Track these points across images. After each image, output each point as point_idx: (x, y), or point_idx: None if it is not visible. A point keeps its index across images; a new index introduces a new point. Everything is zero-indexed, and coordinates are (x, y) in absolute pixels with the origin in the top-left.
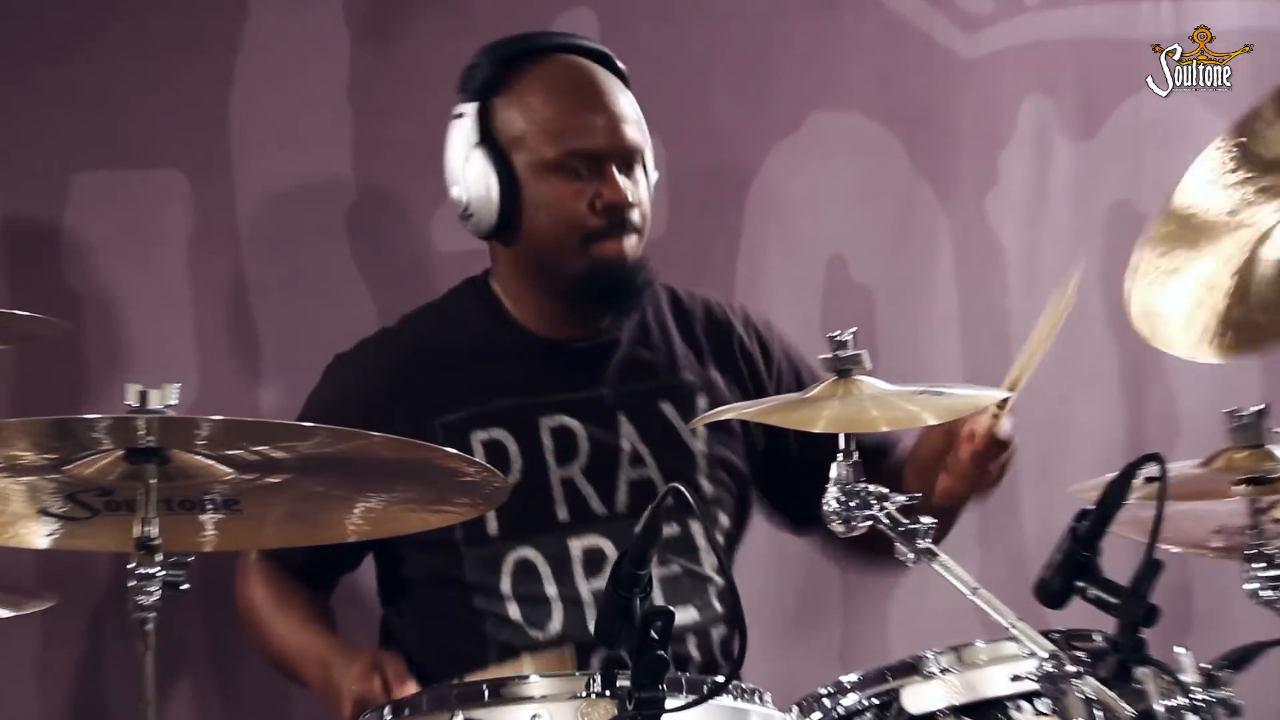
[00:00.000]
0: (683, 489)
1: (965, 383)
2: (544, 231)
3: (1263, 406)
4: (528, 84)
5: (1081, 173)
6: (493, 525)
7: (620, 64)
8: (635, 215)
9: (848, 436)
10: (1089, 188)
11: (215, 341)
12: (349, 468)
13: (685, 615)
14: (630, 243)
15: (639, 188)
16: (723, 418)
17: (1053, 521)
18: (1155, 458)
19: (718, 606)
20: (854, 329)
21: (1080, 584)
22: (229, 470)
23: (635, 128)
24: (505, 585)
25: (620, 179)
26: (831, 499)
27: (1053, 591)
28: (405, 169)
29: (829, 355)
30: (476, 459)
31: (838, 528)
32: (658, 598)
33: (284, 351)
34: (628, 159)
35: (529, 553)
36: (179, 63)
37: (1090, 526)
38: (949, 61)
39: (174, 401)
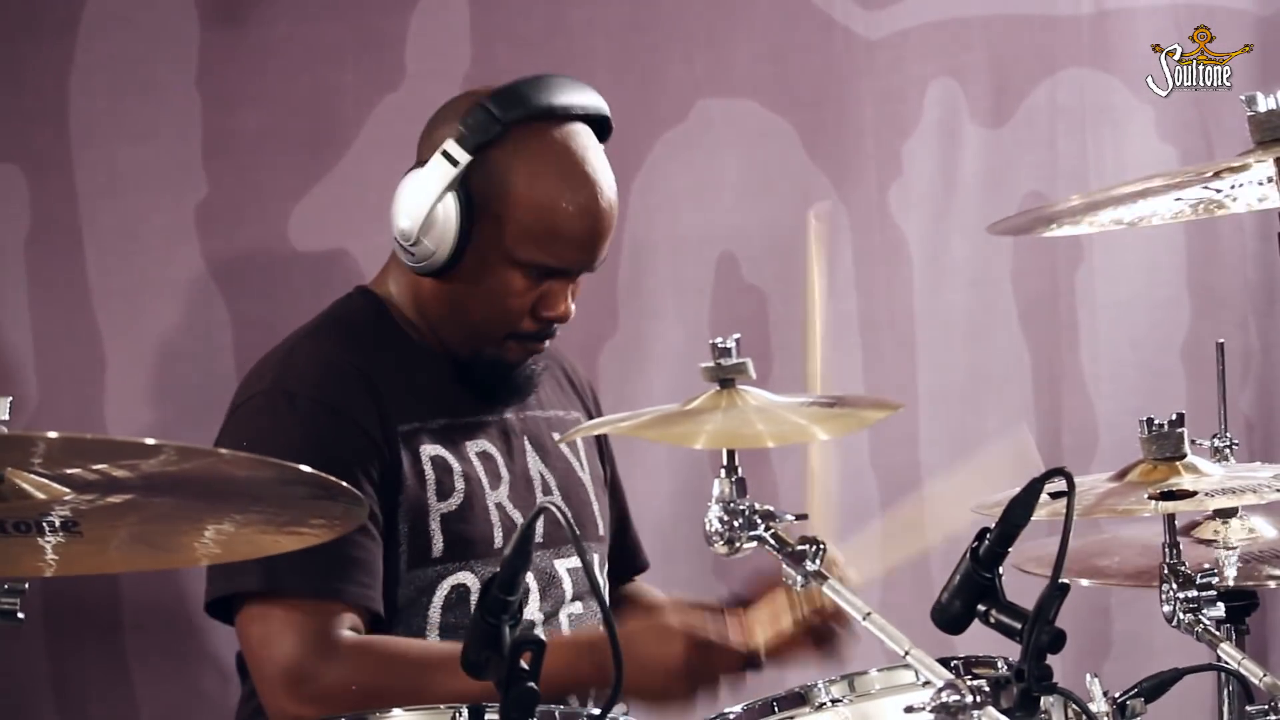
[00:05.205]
0: (556, 507)
1: (866, 392)
2: (474, 315)
3: (1177, 415)
4: (531, 163)
5: (993, 162)
6: (438, 545)
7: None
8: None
9: (730, 453)
10: (1001, 177)
11: (55, 350)
12: (197, 487)
13: None
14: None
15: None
16: (596, 431)
17: (960, 541)
18: (1061, 472)
19: None
20: (737, 335)
21: (981, 608)
22: (67, 490)
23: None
24: (434, 613)
25: (569, 291)
26: (714, 518)
27: (951, 616)
28: (260, 161)
29: (711, 364)
30: (354, 491)
31: (721, 549)
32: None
33: (131, 360)
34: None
35: (467, 579)
36: (11, 48)
37: (991, 546)
38: (849, 42)
39: (5, 417)
